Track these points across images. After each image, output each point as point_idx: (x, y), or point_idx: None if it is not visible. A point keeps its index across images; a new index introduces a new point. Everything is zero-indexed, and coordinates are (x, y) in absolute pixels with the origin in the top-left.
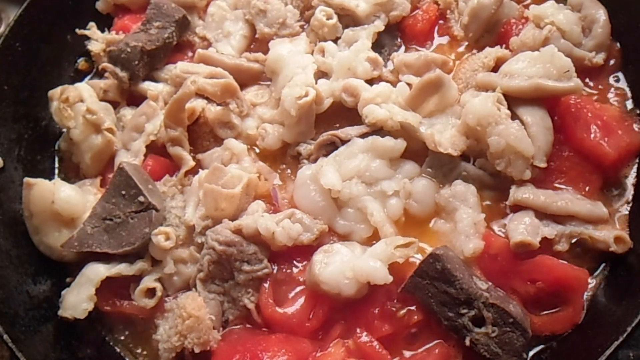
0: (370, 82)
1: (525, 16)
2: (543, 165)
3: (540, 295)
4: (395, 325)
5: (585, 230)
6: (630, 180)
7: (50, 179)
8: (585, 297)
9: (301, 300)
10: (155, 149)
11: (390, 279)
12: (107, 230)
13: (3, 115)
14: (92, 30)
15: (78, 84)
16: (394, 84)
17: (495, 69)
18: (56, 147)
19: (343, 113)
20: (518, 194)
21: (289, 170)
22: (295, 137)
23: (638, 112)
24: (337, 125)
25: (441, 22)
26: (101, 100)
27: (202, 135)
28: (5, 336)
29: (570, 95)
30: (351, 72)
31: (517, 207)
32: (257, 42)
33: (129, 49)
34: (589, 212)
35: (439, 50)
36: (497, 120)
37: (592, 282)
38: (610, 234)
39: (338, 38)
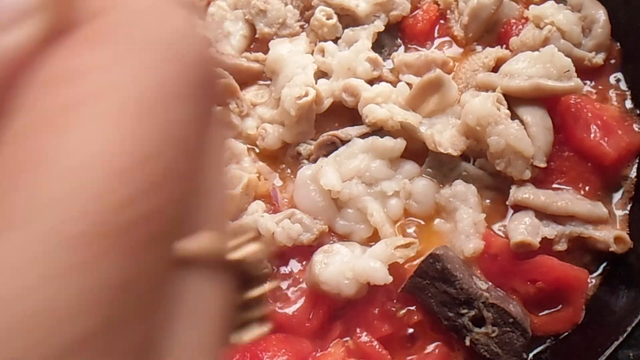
0: (371, 82)
1: (525, 16)
2: (543, 165)
3: (540, 295)
4: (395, 325)
5: (585, 230)
6: (631, 180)
7: None
8: (585, 297)
9: (301, 300)
10: None
11: (390, 279)
12: None
13: None
14: None
15: None
16: (394, 84)
17: (495, 69)
18: None
19: (343, 113)
20: (518, 194)
21: (289, 170)
22: (295, 137)
23: (638, 112)
24: (337, 125)
25: (441, 22)
26: None
27: None
28: None
29: (570, 95)
30: (351, 72)
31: (517, 207)
32: (257, 42)
33: None
34: (589, 212)
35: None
36: (497, 120)
37: (592, 282)
38: (610, 234)
39: (338, 38)
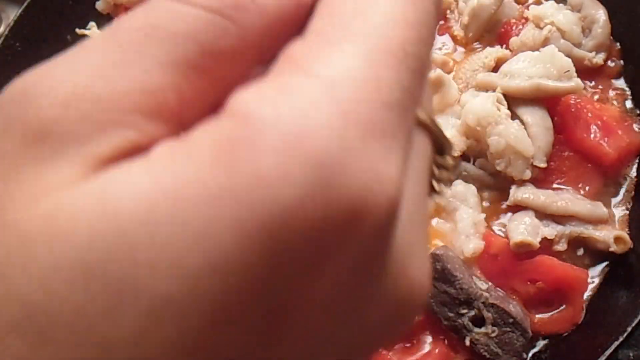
0: None
1: (525, 16)
2: (543, 165)
3: (540, 295)
4: None
5: (585, 230)
6: (631, 180)
7: None
8: (585, 297)
9: None
10: None
11: None
12: None
13: None
14: (92, 30)
15: None
16: None
17: (495, 69)
18: None
19: None
20: (518, 194)
21: None
22: None
23: (638, 112)
24: None
25: (441, 22)
26: None
27: None
28: None
29: (570, 95)
30: None
31: (517, 207)
32: None
33: None
34: (589, 212)
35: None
36: (497, 120)
37: (592, 282)
38: (610, 234)
39: None
